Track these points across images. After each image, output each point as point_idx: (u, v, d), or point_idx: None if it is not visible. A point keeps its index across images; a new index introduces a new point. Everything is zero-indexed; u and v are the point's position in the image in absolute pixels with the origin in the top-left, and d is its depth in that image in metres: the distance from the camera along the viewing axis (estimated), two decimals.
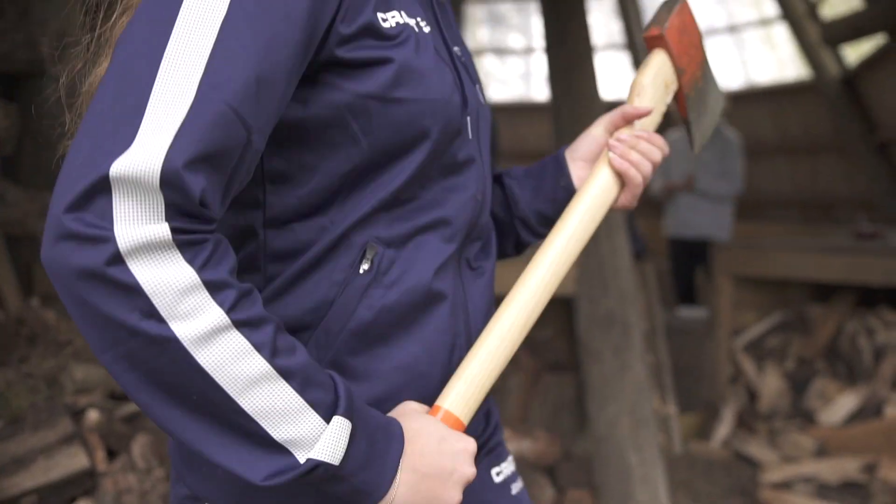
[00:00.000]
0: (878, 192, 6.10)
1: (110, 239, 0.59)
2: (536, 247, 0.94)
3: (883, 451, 3.33)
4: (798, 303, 4.11)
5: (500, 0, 8.12)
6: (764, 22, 6.54)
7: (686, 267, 5.03)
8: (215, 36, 0.66)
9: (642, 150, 0.94)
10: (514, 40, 8.38)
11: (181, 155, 0.61)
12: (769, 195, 7.17)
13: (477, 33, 8.42)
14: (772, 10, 6.32)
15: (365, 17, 0.75)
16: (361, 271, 0.78)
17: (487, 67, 8.67)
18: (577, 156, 1.02)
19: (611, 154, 0.94)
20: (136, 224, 0.60)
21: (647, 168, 0.94)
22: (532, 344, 3.52)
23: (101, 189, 0.60)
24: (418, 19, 0.82)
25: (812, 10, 5.86)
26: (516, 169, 1.07)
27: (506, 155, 8.18)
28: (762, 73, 7.10)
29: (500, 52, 8.57)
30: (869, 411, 3.53)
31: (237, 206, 0.79)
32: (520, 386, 3.28)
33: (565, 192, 1.00)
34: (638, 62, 7.72)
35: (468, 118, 0.85)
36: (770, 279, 3.96)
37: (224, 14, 0.66)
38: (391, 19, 0.78)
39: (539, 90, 8.23)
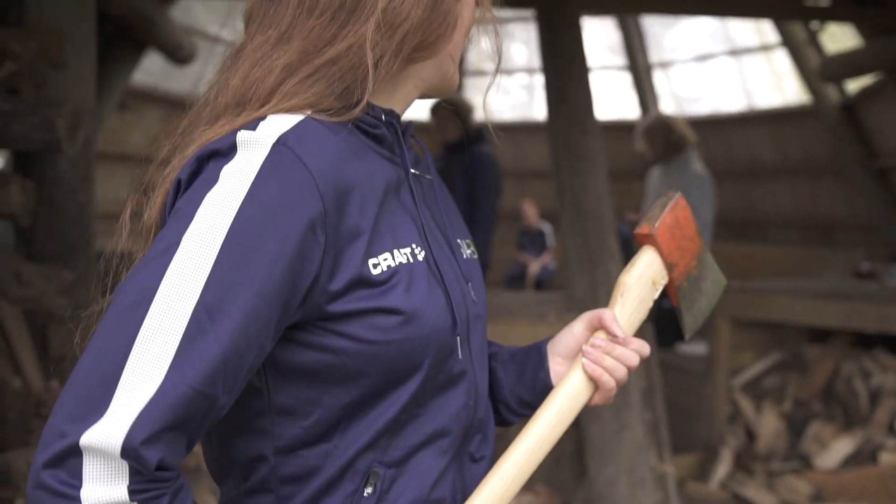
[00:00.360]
0: (878, 216, 6.16)
1: (76, 498, 0.70)
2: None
3: (877, 498, 3.40)
4: (795, 343, 4.18)
5: (505, 21, 8.17)
6: (765, 47, 6.59)
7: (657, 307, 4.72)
8: (188, 318, 0.72)
9: (617, 356, 0.94)
10: (518, 56, 8.43)
11: (141, 433, 0.70)
12: (769, 216, 7.23)
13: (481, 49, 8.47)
14: (773, 36, 6.37)
15: (354, 270, 0.79)
16: (366, 495, 0.84)
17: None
18: (556, 351, 1.03)
19: (584, 360, 0.95)
20: (101, 485, 0.70)
21: (622, 373, 0.95)
22: None
23: (73, 453, 0.70)
24: (413, 246, 0.85)
25: (813, 38, 5.90)
26: (503, 351, 1.09)
27: (509, 173, 8.24)
28: (763, 96, 7.15)
29: (505, 70, 8.63)
30: (864, 456, 3.61)
31: (248, 436, 0.86)
32: None
33: (543, 384, 1.02)
34: (639, 83, 7.76)
35: (458, 338, 0.89)
36: (767, 322, 4.03)
37: (198, 296, 0.73)
38: (383, 263, 0.81)
39: (542, 109, 8.27)
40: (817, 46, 5.91)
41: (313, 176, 0.77)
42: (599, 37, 7.87)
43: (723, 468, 3.81)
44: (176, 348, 0.71)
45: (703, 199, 4.39)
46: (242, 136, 0.78)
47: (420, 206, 0.91)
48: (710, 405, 4.05)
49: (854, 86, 5.90)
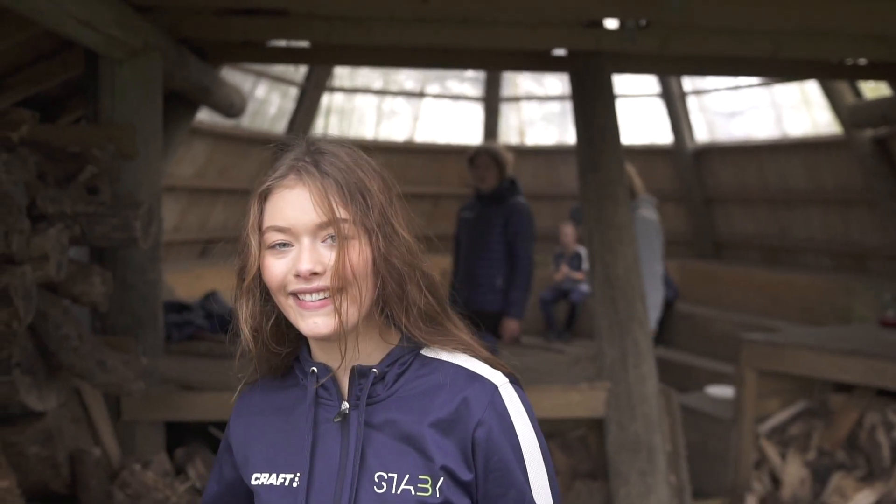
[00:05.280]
0: None
1: None
2: None
3: None
4: (821, 391, 4.32)
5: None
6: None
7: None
8: None
9: None
10: (553, 84, 8.58)
11: None
12: (802, 242, 7.32)
13: (517, 78, 8.63)
14: None
15: (248, 477, 1.13)
16: None
17: (526, 111, 8.90)
18: None
19: None
20: None
21: None
22: (565, 442, 3.80)
23: None
24: (297, 474, 1.08)
25: None
26: None
27: (544, 196, 8.43)
28: (796, 125, 7.23)
29: (539, 98, 8.79)
30: None
31: None
32: None
33: None
34: (672, 110, 7.87)
35: None
36: (792, 375, 4.19)
37: None
38: (263, 478, 1.10)
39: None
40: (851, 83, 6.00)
41: (230, 424, 1.20)
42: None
43: None
44: None
45: (647, 243, 4.47)
46: None
47: (343, 445, 1.07)
48: (736, 451, 4.22)
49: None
